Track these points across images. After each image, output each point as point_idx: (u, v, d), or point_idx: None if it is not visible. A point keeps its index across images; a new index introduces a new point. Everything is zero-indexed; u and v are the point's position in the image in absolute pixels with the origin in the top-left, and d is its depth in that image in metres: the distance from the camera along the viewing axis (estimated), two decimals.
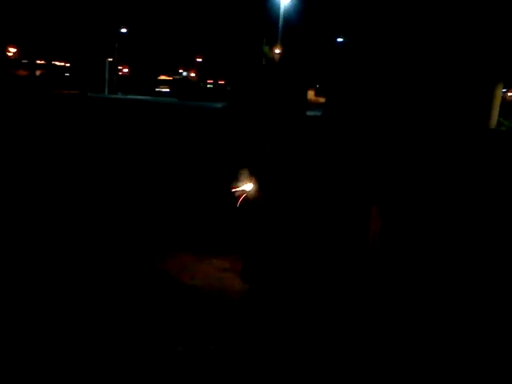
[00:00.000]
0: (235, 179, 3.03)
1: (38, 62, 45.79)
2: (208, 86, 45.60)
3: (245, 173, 2.94)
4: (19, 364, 2.54)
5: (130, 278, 3.69)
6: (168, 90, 42.43)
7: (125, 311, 3.16)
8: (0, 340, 2.73)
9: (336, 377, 2.61)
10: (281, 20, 36.71)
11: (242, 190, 3.05)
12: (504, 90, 22.78)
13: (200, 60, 55.68)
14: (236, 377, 2.56)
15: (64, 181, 6.75)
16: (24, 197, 5.77)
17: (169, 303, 3.32)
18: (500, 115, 19.59)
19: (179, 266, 3.96)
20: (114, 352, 2.69)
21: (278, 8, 36.14)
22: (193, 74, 57.41)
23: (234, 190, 3.03)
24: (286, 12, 36.71)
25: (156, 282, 3.66)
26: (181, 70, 59.62)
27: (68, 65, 49.56)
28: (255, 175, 2.83)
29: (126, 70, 52.41)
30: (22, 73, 40.77)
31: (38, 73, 41.10)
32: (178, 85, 42.73)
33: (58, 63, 50.30)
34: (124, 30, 46.02)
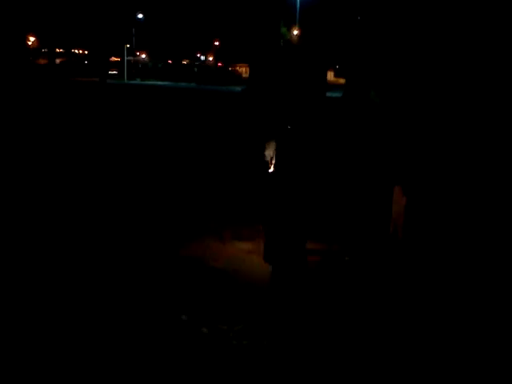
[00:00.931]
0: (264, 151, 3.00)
1: (58, 50, 46.15)
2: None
3: (271, 145, 2.91)
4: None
5: (157, 260, 3.73)
6: (116, 72, 41.11)
7: (151, 294, 3.20)
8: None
9: (360, 363, 2.61)
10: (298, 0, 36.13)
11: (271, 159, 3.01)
12: None
13: (217, 43, 55.38)
14: (259, 360, 2.59)
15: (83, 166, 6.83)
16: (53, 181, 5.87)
17: (193, 285, 3.35)
18: None
19: (203, 249, 3.99)
20: (139, 334, 2.74)
21: None
22: (211, 58, 57.21)
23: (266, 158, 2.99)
24: None
25: (181, 263, 3.70)
26: (198, 54, 59.42)
27: (87, 52, 49.86)
28: (276, 156, 2.82)
29: (143, 56, 52.49)
30: (42, 61, 41.19)
31: (57, 61, 41.44)
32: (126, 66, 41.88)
33: (76, 51, 50.64)
34: (140, 16, 45.97)
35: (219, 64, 49.49)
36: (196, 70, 43.82)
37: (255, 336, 2.74)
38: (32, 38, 43.08)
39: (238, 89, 26.25)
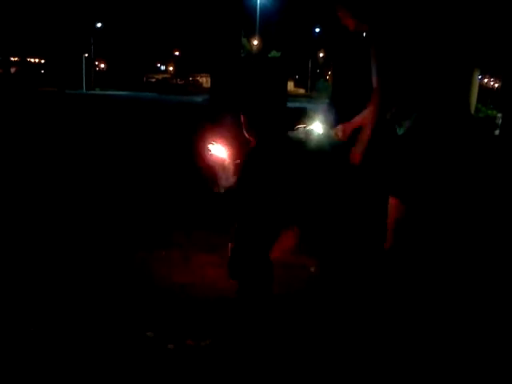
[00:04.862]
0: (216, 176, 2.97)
1: (12, 59, 44.93)
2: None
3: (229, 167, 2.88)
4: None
5: (115, 275, 3.64)
6: None
7: (112, 311, 3.13)
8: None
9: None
10: (258, 11, 36.58)
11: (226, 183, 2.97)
12: (480, 77, 23.05)
13: (178, 53, 55.25)
14: (230, 374, 2.56)
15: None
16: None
17: (156, 301, 3.29)
18: (478, 102, 19.88)
19: (166, 262, 3.93)
20: (106, 351, 2.67)
21: None
22: (171, 68, 56.97)
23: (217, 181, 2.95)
24: (263, 3, 36.59)
25: (142, 277, 3.62)
26: (158, 64, 59.05)
27: (43, 61, 48.70)
28: (240, 170, 2.80)
29: (103, 66, 51.79)
30: None
31: (12, 70, 40.34)
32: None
33: (32, 60, 49.42)
34: (99, 25, 45.40)
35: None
36: (156, 80, 43.56)
37: (223, 351, 2.71)
38: None
39: (199, 99, 26.23)
